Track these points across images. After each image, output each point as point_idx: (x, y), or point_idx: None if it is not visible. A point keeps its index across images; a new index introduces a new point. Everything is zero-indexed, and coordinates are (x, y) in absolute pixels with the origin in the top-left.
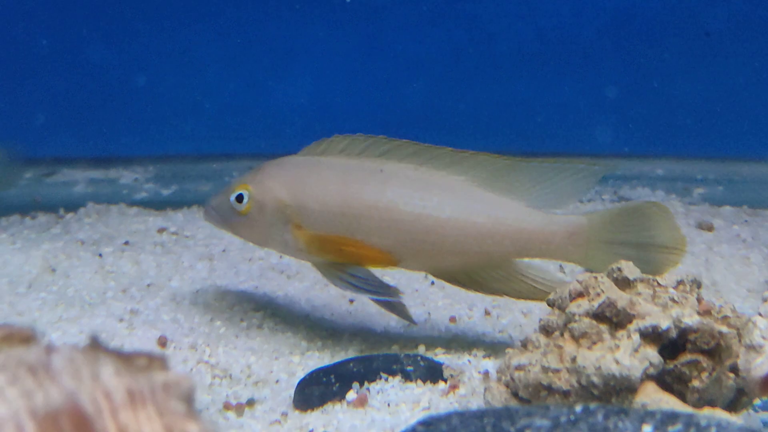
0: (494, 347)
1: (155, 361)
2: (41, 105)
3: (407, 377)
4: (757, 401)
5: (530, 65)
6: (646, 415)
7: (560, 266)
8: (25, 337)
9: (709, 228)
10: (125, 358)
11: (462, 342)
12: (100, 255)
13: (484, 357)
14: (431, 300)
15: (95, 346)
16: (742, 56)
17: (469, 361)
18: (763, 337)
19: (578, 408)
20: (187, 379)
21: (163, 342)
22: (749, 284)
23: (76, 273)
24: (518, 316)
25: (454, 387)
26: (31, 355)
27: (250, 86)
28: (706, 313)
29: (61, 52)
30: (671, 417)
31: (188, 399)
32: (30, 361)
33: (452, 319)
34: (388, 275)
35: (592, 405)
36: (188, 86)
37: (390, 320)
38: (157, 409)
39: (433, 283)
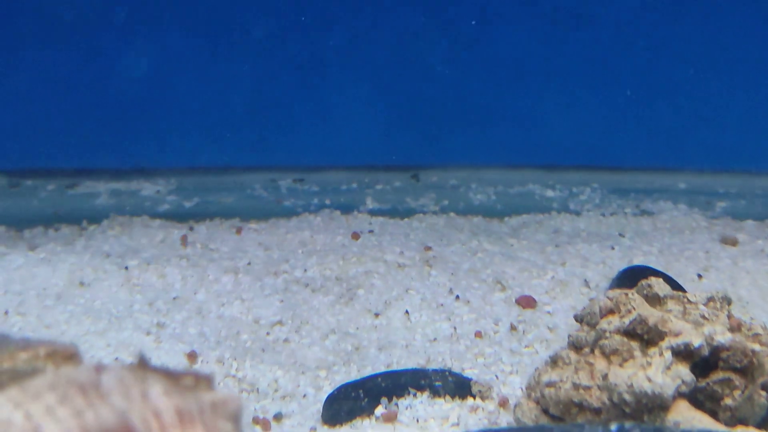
0: (521, 362)
1: (202, 381)
2: (63, 116)
3: (436, 393)
4: None
5: (552, 78)
6: None
7: (585, 281)
8: (69, 355)
9: (734, 243)
10: (173, 377)
11: (489, 357)
12: (126, 268)
13: (511, 373)
14: (456, 315)
15: (143, 365)
16: (764, 69)
17: (496, 376)
18: None
19: (613, 427)
20: (235, 399)
21: (192, 356)
22: None
23: (102, 286)
24: (544, 332)
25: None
26: (81, 374)
27: (273, 99)
28: (737, 330)
29: (83, 63)
30: None
31: (235, 419)
32: (80, 380)
33: (478, 333)
34: (413, 289)
35: (628, 424)
36: (211, 98)
37: (415, 335)
38: (206, 428)
39: (458, 297)
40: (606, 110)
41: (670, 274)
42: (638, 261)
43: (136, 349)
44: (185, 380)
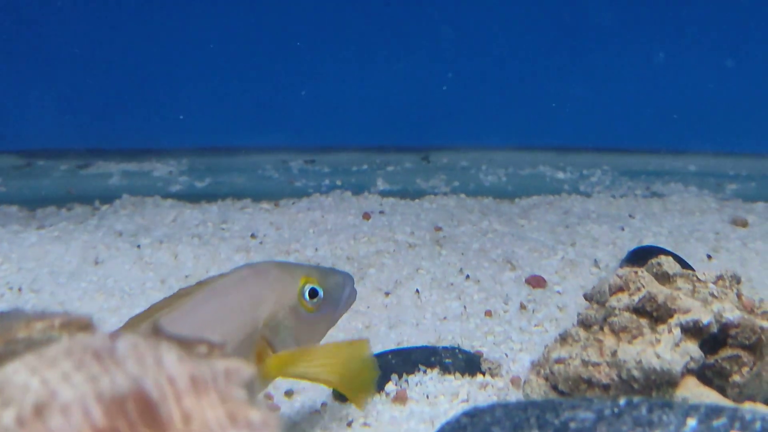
0: (531, 341)
1: (215, 349)
2: (76, 98)
3: (446, 370)
4: None
5: (563, 60)
6: (691, 409)
7: (595, 261)
8: (84, 325)
9: (744, 224)
10: (187, 345)
11: (498, 335)
12: (139, 246)
13: (520, 350)
14: (466, 294)
15: (157, 333)
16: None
17: (506, 354)
18: None
19: (622, 401)
20: (248, 368)
21: None
22: None
23: (115, 264)
24: (554, 311)
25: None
26: (96, 341)
27: (284, 80)
28: (747, 308)
29: (96, 45)
30: (715, 411)
31: (249, 387)
32: (95, 347)
33: (488, 312)
34: (424, 269)
35: (636, 398)
36: (223, 79)
37: (425, 313)
38: (220, 396)
39: (468, 276)
40: (617, 93)
41: (679, 254)
42: (648, 242)
43: None
44: (199, 348)
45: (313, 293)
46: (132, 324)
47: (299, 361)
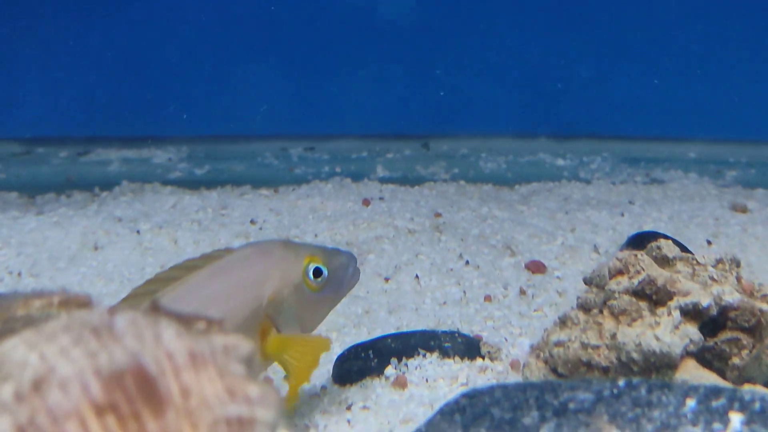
0: (530, 325)
1: (214, 325)
2: (75, 85)
3: (445, 353)
4: None
5: (563, 48)
6: (690, 390)
7: (594, 246)
8: (82, 303)
9: (743, 210)
10: (186, 321)
11: (498, 320)
12: (138, 232)
13: (520, 335)
14: (466, 279)
15: (156, 309)
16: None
17: (505, 338)
18: None
19: (621, 382)
20: (246, 343)
21: None
22: None
23: (114, 249)
24: (553, 296)
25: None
26: (95, 317)
27: (284, 67)
28: (746, 291)
29: (95, 33)
30: (715, 392)
31: (247, 362)
32: (94, 323)
33: (487, 297)
34: (423, 254)
35: (635, 379)
36: (222, 67)
37: (425, 298)
38: (218, 371)
39: (468, 262)
40: (618, 80)
41: (679, 240)
42: (648, 227)
43: None
44: (198, 324)
45: (317, 272)
46: (134, 296)
47: (297, 345)
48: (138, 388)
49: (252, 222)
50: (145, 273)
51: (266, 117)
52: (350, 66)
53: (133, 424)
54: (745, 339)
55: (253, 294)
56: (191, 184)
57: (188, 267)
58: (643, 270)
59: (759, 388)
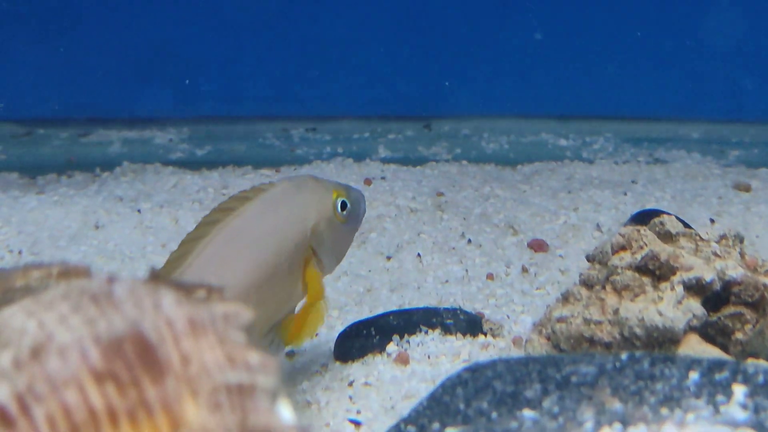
0: (532, 303)
1: (214, 293)
2: (77, 67)
3: (447, 330)
4: None
5: (565, 27)
6: (693, 363)
7: (597, 225)
8: (81, 273)
9: (747, 189)
10: (185, 290)
11: (500, 298)
12: (139, 211)
13: (522, 312)
14: (468, 258)
15: (155, 277)
16: None
17: (507, 316)
18: None
19: (624, 356)
20: (246, 311)
21: None
22: None
23: (115, 228)
24: (556, 274)
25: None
26: (94, 284)
27: (286, 48)
28: (750, 266)
29: (96, 13)
30: (718, 365)
31: (247, 330)
32: (92, 291)
33: (490, 276)
34: (425, 233)
35: (638, 353)
36: (222, 47)
37: (427, 276)
38: (218, 338)
39: (470, 241)
40: (620, 60)
41: (683, 218)
42: (651, 206)
43: None
44: (198, 293)
45: (344, 205)
46: (188, 242)
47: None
48: (137, 356)
49: None
50: (146, 252)
51: (268, 97)
52: (352, 46)
53: (132, 391)
54: (749, 314)
55: (300, 226)
56: (192, 164)
57: (228, 208)
58: (646, 245)
59: (762, 362)
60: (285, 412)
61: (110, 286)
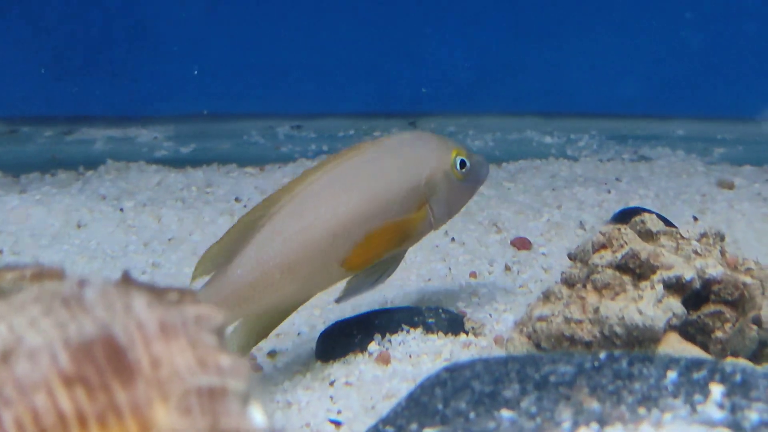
0: (515, 302)
1: (187, 296)
2: (61, 64)
3: (429, 329)
4: None
5: (550, 25)
6: (671, 362)
7: (580, 223)
8: (55, 275)
9: (730, 186)
10: (157, 292)
11: (482, 296)
12: (122, 209)
13: (504, 311)
14: (451, 256)
15: (127, 280)
16: (764, 15)
17: (489, 314)
18: None
19: (602, 355)
20: (219, 314)
21: None
22: None
23: (97, 227)
24: (539, 272)
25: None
26: (65, 287)
27: (269, 45)
28: (730, 265)
29: (81, 10)
30: (696, 364)
31: (219, 333)
32: (63, 294)
33: (473, 274)
34: None
35: (617, 352)
36: (207, 45)
37: (410, 275)
38: (189, 341)
39: (453, 239)
40: (605, 57)
41: (666, 216)
42: (634, 204)
43: None
44: (170, 295)
45: (462, 164)
46: (304, 174)
47: None
48: (107, 359)
49: (237, 200)
50: (128, 251)
51: (254, 95)
52: (338, 43)
53: (102, 395)
54: (729, 312)
55: (415, 172)
56: (177, 162)
57: (358, 147)
58: (627, 244)
59: (742, 361)
60: (257, 415)
61: (81, 289)
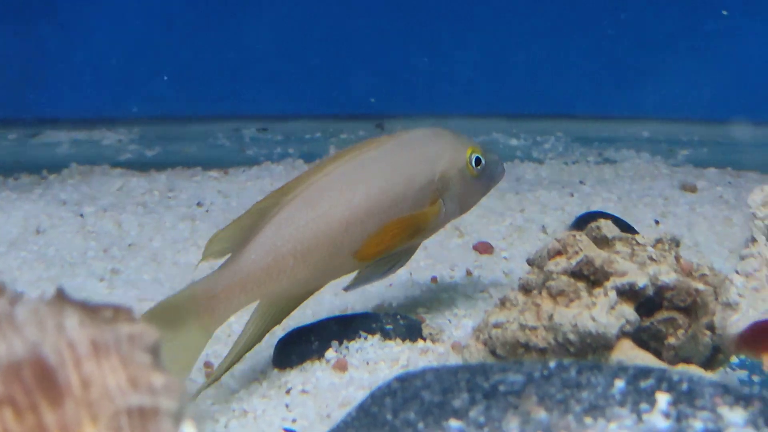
0: (475, 307)
1: (121, 313)
2: (25, 66)
3: (386, 336)
4: (734, 359)
5: (516, 27)
6: (619, 371)
7: (542, 227)
8: None
9: (692, 189)
10: (91, 310)
11: (443, 302)
12: (82, 215)
13: (464, 316)
14: (413, 260)
15: (61, 297)
16: (728, 19)
17: (449, 320)
18: (740, 295)
19: (552, 364)
20: (153, 331)
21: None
22: (731, 244)
23: (57, 233)
24: (500, 277)
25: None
26: None
27: (236, 48)
28: (685, 271)
29: (45, 12)
30: (644, 372)
31: (154, 351)
32: None
33: (434, 279)
34: None
35: (566, 361)
36: (173, 47)
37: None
38: (122, 360)
39: None
40: (572, 59)
41: (627, 220)
42: (597, 207)
43: (89, 295)
44: (104, 313)
45: (478, 161)
46: (318, 165)
47: None
48: (36, 380)
49: (199, 204)
50: (87, 257)
51: (220, 97)
52: (304, 45)
53: (30, 417)
54: (681, 319)
55: (430, 167)
56: (141, 166)
57: (372, 141)
58: (582, 250)
59: (693, 368)
60: None
61: (13, 308)
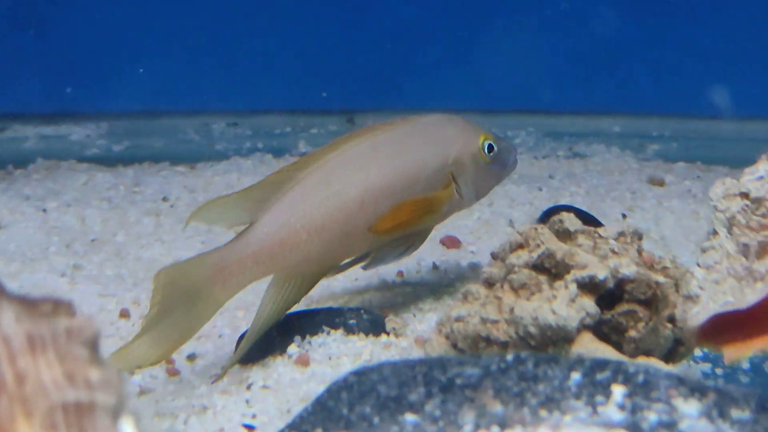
0: (440, 301)
1: (61, 306)
2: None
3: (350, 330)
4: (698, 352)
5: (487, 21)
6: (576, 363)
7: (510, 221)
8: None
9: (660, 183)
10: (29, 304)
11: (408, 296)
12: (45, 210)
13: (429, 311)
14: None
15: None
16: (701, 15)
17: (414, 315)
18: (701, 287)
19: (509, 357)
20: (92, 325)
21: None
22: (698, 238)
23: (18, 228)
24: (466, 271)
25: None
26: None
27: (207, 41)
28: (646, 263)
29: (11, 5)
30: (600, 365)
31: (92, 344)
32: None
33: (400, 273)
34: None
35: (524, 354)
36: (142, 41)
37: (338, 275)
38: (58, 354)
39: None
40: (542, 54)
41: (595, 214)
42: (565, 201)
43: (50, 290)
44: (43, 307)
45: (491, 148)
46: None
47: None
48: None
49: (164, 199)
50: (48, 252)
51: (189, 91)
52: (275, 39)
53: None
54: (642, 311)
55: (442, 151)
56: (108, 161)
57: (386, 123)
58: (543, 243)
59: (654, 361)
60: (127, 429)
61: None
